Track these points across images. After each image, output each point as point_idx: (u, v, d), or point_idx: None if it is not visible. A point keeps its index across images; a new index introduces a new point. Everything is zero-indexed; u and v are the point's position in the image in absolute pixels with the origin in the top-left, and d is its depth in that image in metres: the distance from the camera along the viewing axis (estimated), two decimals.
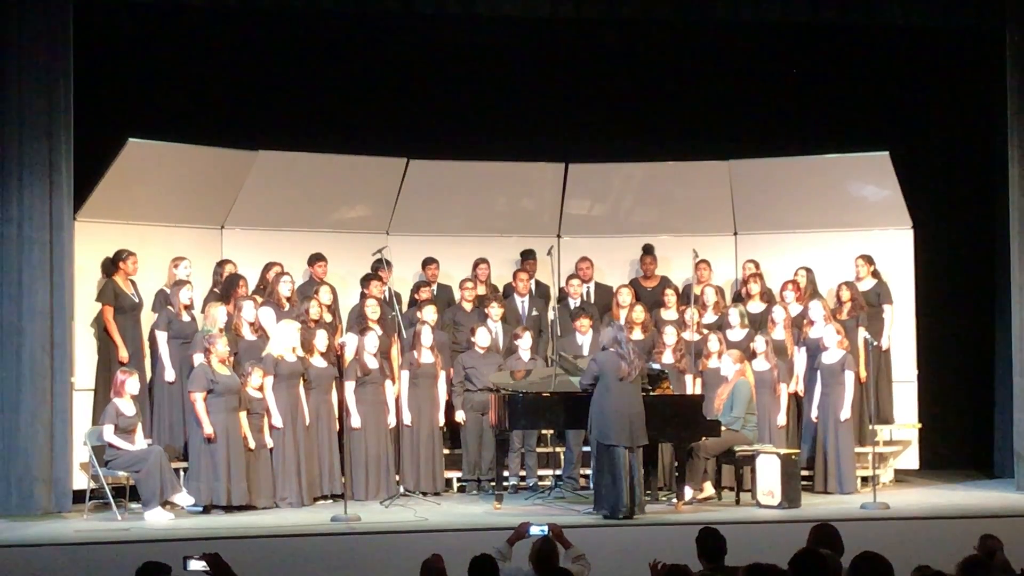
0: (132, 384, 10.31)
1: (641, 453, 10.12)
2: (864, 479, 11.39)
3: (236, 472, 10.36)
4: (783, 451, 10.73)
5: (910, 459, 12.52)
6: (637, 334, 11.61)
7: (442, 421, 11.62)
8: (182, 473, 10.58)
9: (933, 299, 12.91)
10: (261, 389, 10.69)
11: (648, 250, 12.78)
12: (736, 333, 11.74)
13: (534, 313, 12.37)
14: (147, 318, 11.31)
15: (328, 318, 11.50)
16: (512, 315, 12.26)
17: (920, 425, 12.49)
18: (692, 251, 12.14)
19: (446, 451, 11.76)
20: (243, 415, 10.54)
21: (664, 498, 10.82)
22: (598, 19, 12.01)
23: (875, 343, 11.33)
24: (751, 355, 11.35)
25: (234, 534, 9.27)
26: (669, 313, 12.12)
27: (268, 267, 11.84)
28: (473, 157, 12.92)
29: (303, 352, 10.93)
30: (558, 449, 11.90)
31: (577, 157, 13.00)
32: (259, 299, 11.40)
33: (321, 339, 11.01)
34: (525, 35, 12.69)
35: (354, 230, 12.87)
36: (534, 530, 6.37)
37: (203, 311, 11.34)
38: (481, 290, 12.38)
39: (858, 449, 11.50)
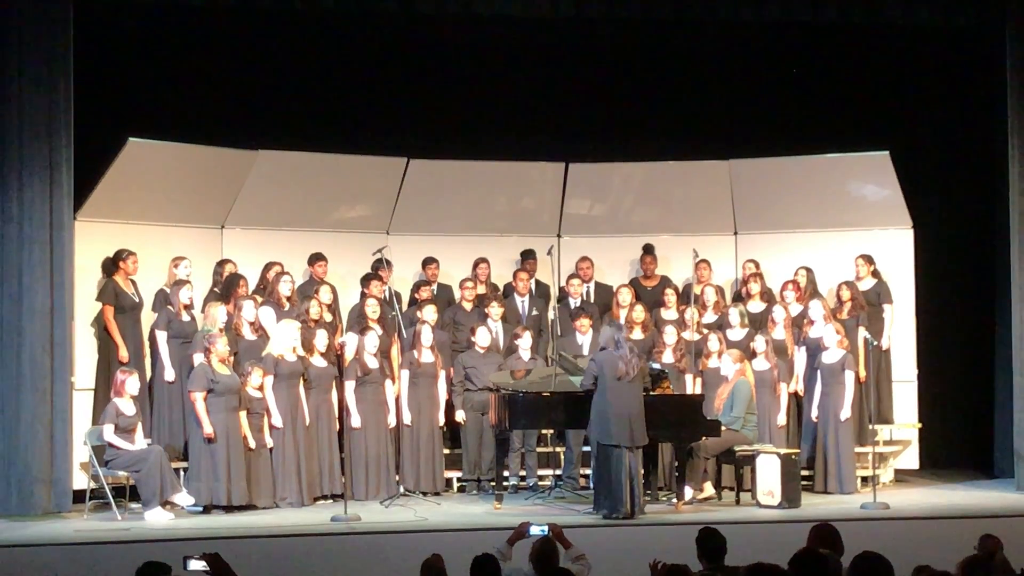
0: (132, 384, 10.31)
1: (641, 453, 10.12)
2: (864, 479, 11.39)
3: (236, 472, 10.36)
4: (783, 451, 10.74)
5: (910, 459, 12.52)
6: (637, 334, 11.61)
7: (442, 421, 11.62)
8: (182, 473, 10.58)
9: (933, 299, 12.91)
10: (261, 389, 10.70)
11: (648, 250, 12.78)
12: (736, 333, 11.75)
13: (534, 313, 12.38)
14: (147, 318, 11.32)
15: (328, 318, 11.50)
16: (512, 315, 12.26)
17: (920, 425, 12.49)
18: (692, 251, 12.13)
19: (446, 451, 11.76)
20: (243, 415, 10.54)
21: (664, 498, 10.82)
22: (598, 19, 12.01)
23: (875, 343, 11.33)
24: (751, 355, 11.35)
25: (234, 534, 9.27)
26: (669, 313, 12.12)
27: (268, 267, 11.84)
28: (473, 157, 12.92)
29: (303, 352, 10.93)
30: (558, 449, 11.90)
31: (577, 157, 13.00)
32: (259, 299, 11.41)
33: (321, 339, 11.01)
34: (525, 35, 12.69)
35: (354, 230, 12.88)
36: (534, 530, 6.37)
37: (203, 311, 11.34)
38: (481, 290, 12.38)
39: (858, 449, 11.50)
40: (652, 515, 10.05)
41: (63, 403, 10.42)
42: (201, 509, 10.32)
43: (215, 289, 11.65)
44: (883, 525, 9.70)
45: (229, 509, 10.30)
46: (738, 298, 12.44)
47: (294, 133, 12.50)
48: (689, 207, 13.14)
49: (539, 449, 11.93)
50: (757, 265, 12.48)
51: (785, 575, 5.02)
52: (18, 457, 10.26)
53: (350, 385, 11.04)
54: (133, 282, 11.25)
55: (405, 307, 12.06)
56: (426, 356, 11.42)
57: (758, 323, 11.90)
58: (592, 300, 12.58)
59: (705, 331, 11.79)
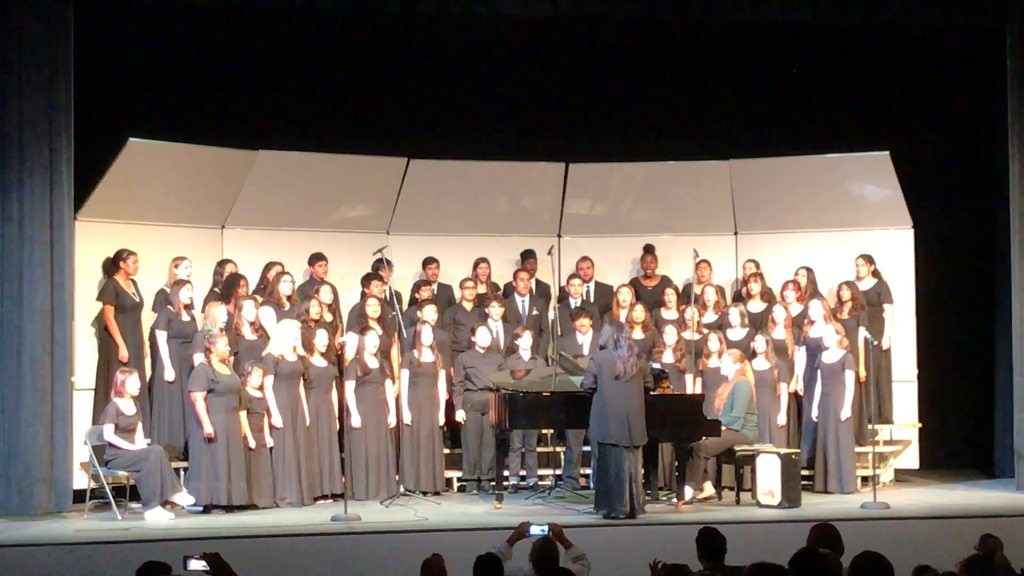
0: (132, 384, 10.31)
1: (641, 453, 10.12)
2: (864, 479, 11.39)
3: (236, 472, 10.35)
4: (783, 451, 10.74)
5: (910, 459, 12.52)
6: (637, 334, 11.60)
7: (442, 420, 11.62)
8: (182, 473, 10.58)
9: (933, 299, 12.91)
10: (261, 389, 10.70)
11: (649, 249, 12.79)
12: (736, 333, 11.75)
13: (534, 313, 12.38)
14: (147, 318, 11.32)
15: (328, 318, 11.50)
16: (512, 315, 12.26)
17: (920, 425, 12.50)
18: (693, 251, 12.13)
19: (446, 451, 11.76)
20: (243, 415, 10.54)
21: (664, 498, 10.82)
22: (598, 19, 12.01)
23: (875, 343, 11.33)
24: (751, 354, 11.35)
25: (234, 534, 9.26)
26: (669, 313, 12.12)
27: (268, 267, 11.84)
28: (473, 157, 12.93)
29: (303, 352, 10.93)
30: (558, 449, 11.90)
31: (577, 157, 13.00)
32: (259, 299, 11.41)
33: (321, 338, 11.01)
34: (525, 35, 12.70)
35: (354, 230, 12.88)
36: (534, 530, 6.38)
37: (203, 311, 11.34)
38: (482, 289, 12.38)
39: (858, 449, 11.50)
40: (652, 515, 10.04)
41: (63, 403, 10.42)
42: (201, 509, 10.32)
43: (215, 289, 11.65)
44: (883, 525, 9.70)
45: (229, 509, 10.30)
46: (738, 298, 12.44)
47: (294, 133, 12.51)
48: (689, 207, 13.14)
49: (539, 449, 11.93)
50: (757, 265, 12.49)
51: (788, 575, 5.02)
52: (18, 457, 10.26)
53: (350, 385, 11.04)
54: (133, 282, 11.25)
55: (405, 307, 12.06)
56: (426, 356, 11.42)
57: (758, 323, 11.90)
58: (592, 300, 12.58)
59: (705, 331, 11.79)
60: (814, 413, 11.42)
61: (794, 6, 11.64)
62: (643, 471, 10.22)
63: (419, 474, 11.32)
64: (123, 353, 10.98)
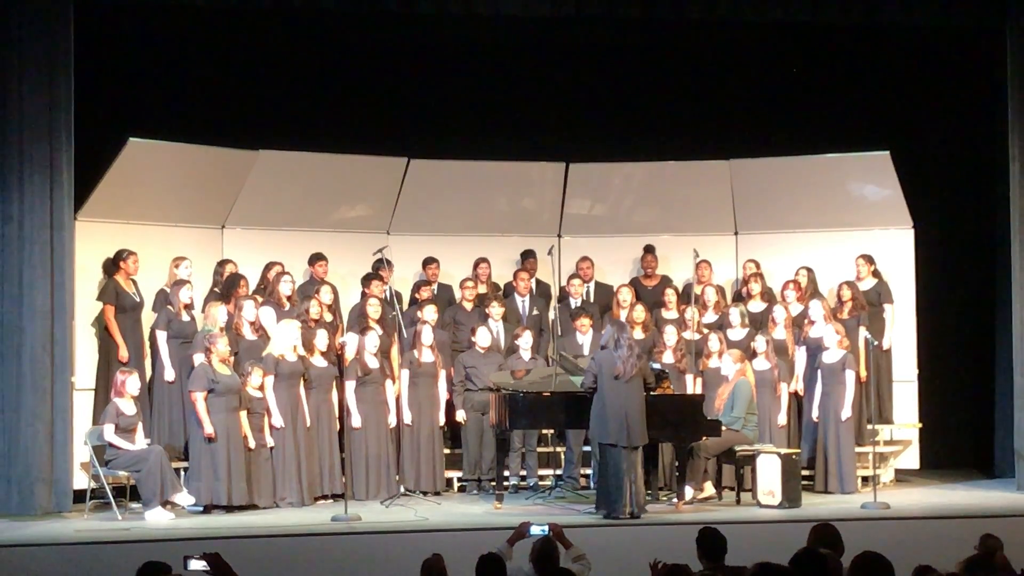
0: (132, 384, 10.31)
1: (641, 453, 10.12)
2: (864, 479, 11.40)
3: (236, 472, 10.35)
4: (783, 451, 10.74)
5: (910, 459, 12.52)
6: (638, 334, 11.59)
7: (442, 421, 11.62)
8: (182, 473, 10.57)
9: (933, 299, 12.91)
10: (262, 389, 10.70)
11: (649, 249, 12.79)
12: (737, 333, 11.75)
13: (535, 313, 12.38)
14: (148, 318, 11.32)
15: (329, 318, 11.50)
16: (513, 315, 12.26)
17: (920, 425, 12.49)
18: (693, 251, 12.13)
19: (446, 451, 11.76)
20: (243, 415, 10.54)
21: (664, 498, 10.81)
22: (598, 19, 12.01)
23: (876, 343, 11.33)
24: (751, 355, 11.35)
25: (234, 534, 9.26)
26: (670, 313, 12.12)
27: (269, 267, 11.84)
28: (473, 157, 12.93)
29: (304, 352, 10.93)
30: (558, 449, 11.90)
31: (577, 157, 13.00)
32: (260, 299, 11.40)
33: (322, 339, 11.02)
34: (525, 35, 12.70)
35: (355, 230, 12.88)
36: (535, 530, 6.38)
37: (203, 311, 11.34)
38: (482, 289, 12.38)
39: (858, 449, 11.50)
40: (652, 515, 10.04)
41: (63, 403, 10.42)
42: (201, 509, 10.32)
43: (215, 289, 11.65)
44: (883, 525, 9.70)
45: (229, 509, 10.30)
46: (738, 298, 12.44)
47: (294, 133, 12.51)
48: (689, 207, 13.14)
49: (539, 449, 11.93)
50: (757, 265, 12.49)
51: (790, 575, 5.02)
52: (18, 457, 10.26)
53: (350, 385, 11.04)
54: (134, 282, 11.25)
55: (405, 307, 12.06)
56: (426, 356, 11.42)
57: (758, 323, 11.90)
58: (592, 300, 12.58)
59: (705, 331, 11.79)
60: (814, 413, 11.42)
61: (794, 6, 11.64)
62: (643, 471, 10.22)
63: (419, 474, 11.32)
64: (123, 353, 10.98)
